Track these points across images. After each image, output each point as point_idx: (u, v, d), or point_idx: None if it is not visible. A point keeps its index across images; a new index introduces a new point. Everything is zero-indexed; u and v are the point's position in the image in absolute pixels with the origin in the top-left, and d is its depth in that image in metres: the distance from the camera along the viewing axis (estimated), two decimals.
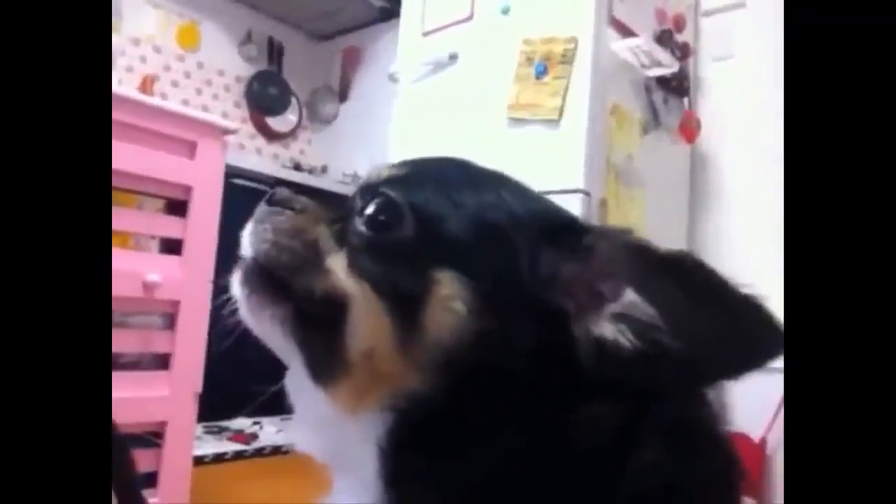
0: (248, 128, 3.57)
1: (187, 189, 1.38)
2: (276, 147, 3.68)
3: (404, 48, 2.18)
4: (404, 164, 0.52)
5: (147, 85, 3.01)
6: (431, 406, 0.42)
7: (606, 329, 0.40)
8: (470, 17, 1.99)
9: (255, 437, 2.36)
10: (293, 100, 3.72)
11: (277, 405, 0.52)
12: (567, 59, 1.74)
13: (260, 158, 3.50)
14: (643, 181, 1.87)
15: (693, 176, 2.18)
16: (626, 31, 1.84)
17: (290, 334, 0.48)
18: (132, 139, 1.27)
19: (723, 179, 2.17)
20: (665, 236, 1.94)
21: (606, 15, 1.78)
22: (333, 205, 0.53)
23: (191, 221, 1.38)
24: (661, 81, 1.98)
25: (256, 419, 2.50)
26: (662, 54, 1.91)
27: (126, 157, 1.23)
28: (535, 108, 1.76)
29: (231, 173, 1.93)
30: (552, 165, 1.69)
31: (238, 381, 1.29)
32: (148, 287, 1.29)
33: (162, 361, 1.35)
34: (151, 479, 1.31)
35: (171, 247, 1.38)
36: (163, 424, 1.33)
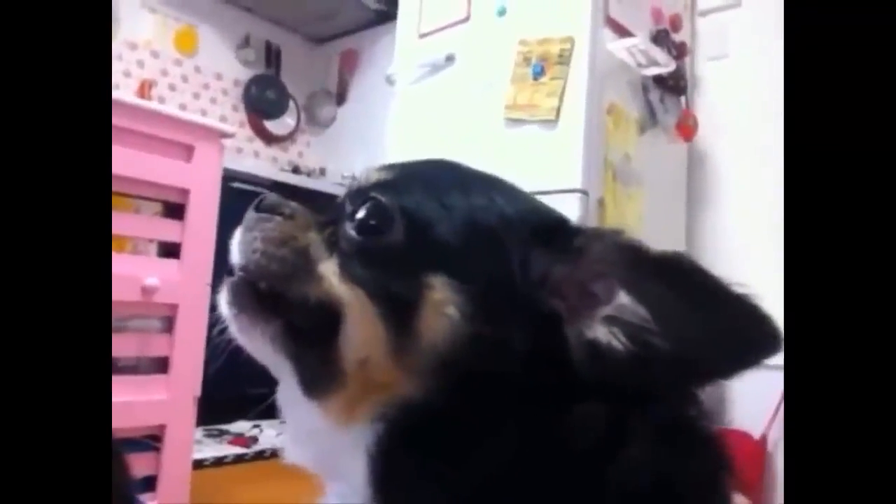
0: (247, 131, 3.57)
1: (185, 193, 1.38)
2: (274, 150, 3.68)
3: (401, 50, 2.18)
4: (394, 167, 0.52)
5: (145, 89, 3.01)
6: (424, 412, 0.42)
7: (599, 332, 0.40)
8: (466, 19, 1.99)
9: (255, 440, 2.35)
10: (291, 103, 3.72)
11: (278, 409, 0.52)
12: (564, 59, 1.74)
13: (258, 161, 3.50)
14: (641, 180, 1.87)
15: (690, 174, 2.18)
16: (622, 31, 1.84)
17: (282, 350, 0.48)
18: (130, 143, 1.27)
19: (720, 177, 2.17)
20: (663, 235, 1.95)
21: (603, 15, 1.78)
22: (323, 208, 0.53)
23: (188, 225, 1.38)
24: (658, 80, 1.98)
25: (257, 422, 2.50)
26: (659, 54, 1.91)
27: (124, 161, 1.23)
28: (532, 108, 1.76)
29: (229, 176, 1.93)
30: (550, 165, 1.69)
31: (238, 385, 1.30)
32: (146, 291, 1.28)
33: (160, 365, 1.35)
34: (151, 483, 1.31)
35: (170, 250, 1.38)
36: (162, 428, 1.33)
